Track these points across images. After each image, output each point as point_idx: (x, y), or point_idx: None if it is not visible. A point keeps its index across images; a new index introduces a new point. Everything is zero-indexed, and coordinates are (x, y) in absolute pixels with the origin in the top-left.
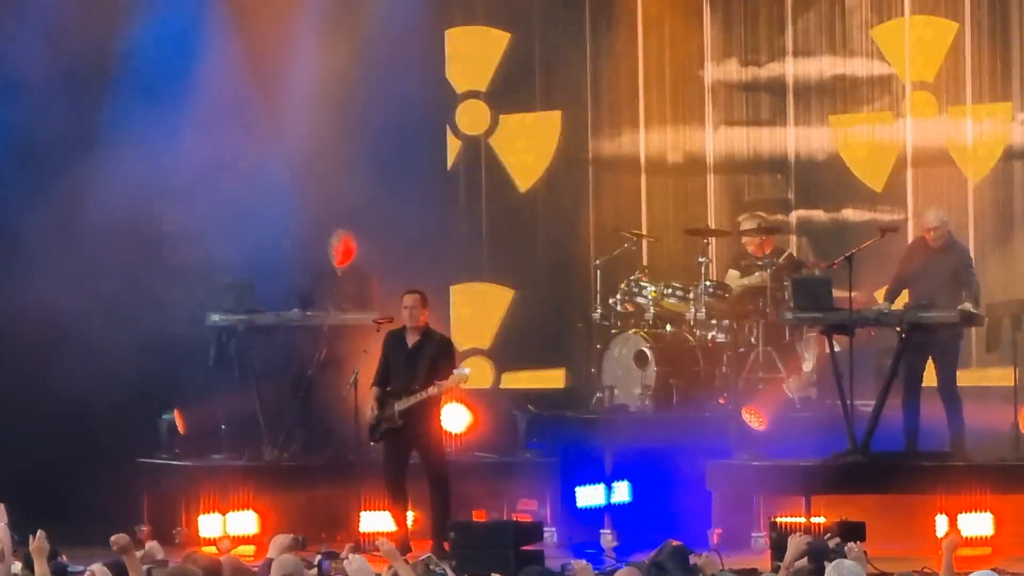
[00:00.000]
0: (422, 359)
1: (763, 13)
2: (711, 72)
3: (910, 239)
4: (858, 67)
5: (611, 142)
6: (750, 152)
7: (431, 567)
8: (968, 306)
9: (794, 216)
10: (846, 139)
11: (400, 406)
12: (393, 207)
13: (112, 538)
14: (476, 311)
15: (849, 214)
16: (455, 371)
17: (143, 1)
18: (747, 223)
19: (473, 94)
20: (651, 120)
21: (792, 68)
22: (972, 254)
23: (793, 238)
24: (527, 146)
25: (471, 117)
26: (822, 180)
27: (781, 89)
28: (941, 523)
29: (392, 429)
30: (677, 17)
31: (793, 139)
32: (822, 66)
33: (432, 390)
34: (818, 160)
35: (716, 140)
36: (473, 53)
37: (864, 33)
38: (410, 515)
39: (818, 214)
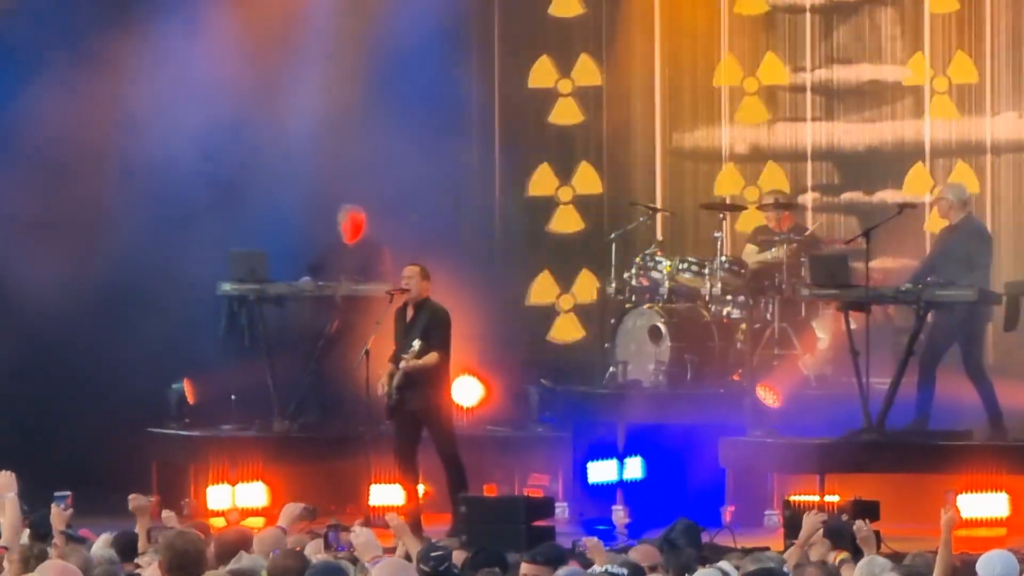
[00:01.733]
0: (415, 331)
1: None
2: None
3: (927, 220)
4: (888, 73)
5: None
6: (769, 145)
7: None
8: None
9: (829, 200)
10: (875, 134)
11: (395, 382)
12: (408, 177)
13: (130, 496)
14: None
15: (878, 199)
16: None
17: None
18: (767, 199)
19: None
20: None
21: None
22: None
23: (809, 214)
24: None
25: None
26: (855, 170)
27: (823, 90)
28: (961, 503)
29: (395, 405)
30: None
31: (821, 133)
32: (859, 72)
33: (402, 364)
34: (853, 152)
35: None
36: None
37: (893, 43)
38: (420, 488)
39: (853, 197)
